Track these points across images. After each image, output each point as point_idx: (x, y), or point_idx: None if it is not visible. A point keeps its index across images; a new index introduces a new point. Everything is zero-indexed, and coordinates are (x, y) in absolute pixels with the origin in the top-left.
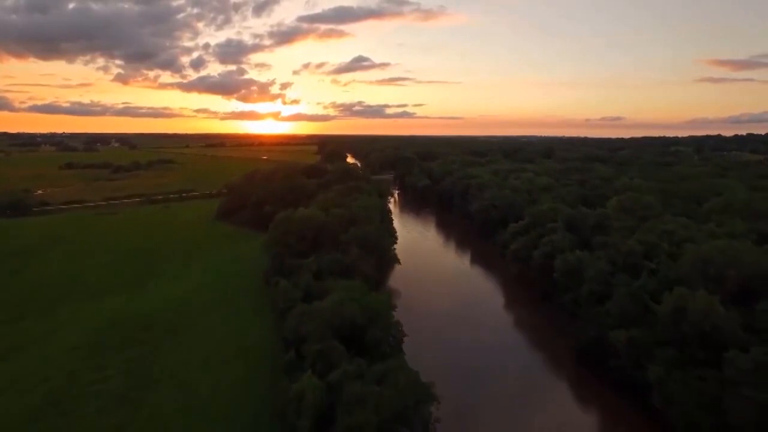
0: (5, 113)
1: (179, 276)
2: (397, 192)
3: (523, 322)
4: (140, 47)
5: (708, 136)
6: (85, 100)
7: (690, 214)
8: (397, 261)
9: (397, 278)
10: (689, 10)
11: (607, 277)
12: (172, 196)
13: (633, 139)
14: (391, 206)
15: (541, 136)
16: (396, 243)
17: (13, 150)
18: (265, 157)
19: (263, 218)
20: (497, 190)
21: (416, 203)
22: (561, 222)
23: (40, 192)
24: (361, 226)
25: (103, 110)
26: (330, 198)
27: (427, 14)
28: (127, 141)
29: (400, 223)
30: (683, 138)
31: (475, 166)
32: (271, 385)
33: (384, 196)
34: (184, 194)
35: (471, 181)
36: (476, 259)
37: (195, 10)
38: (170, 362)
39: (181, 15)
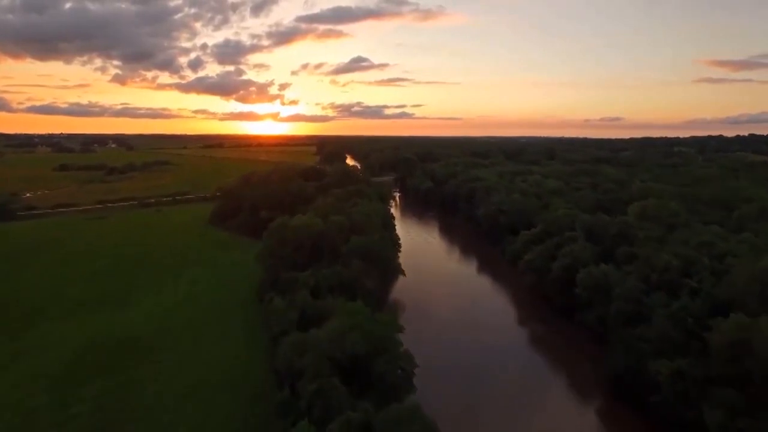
0: (3, 114)
1: (166, 289)
2: (398, 194)
3: (541, 340)
4: (138, 48)
5: (710, 137)
6: (84, 101)
7: (720, 222)
8: (402, 272)
9: (401, 288)
10: (689, 10)
11: (640, 295)
12: (165, 199)
13: (634, 140)
14: (393, 210)
15: (540, 137)
16: (399, 250)
17: (9, 151)
18: (263, 158)
19: (258, 224)
20: (505, 194)
21: (419, 206)
22: (580, 230)
23: (29, 195)
24: (363, 234)
25: (101, 111)
26: (329, 203)
27: (426, 14)
28: (124, 142)
29: (402, 227)
30: (684, 138)
31: (479, 167)
32: (262, 427)
33: (385, 199)
34: (177, 197)
35: (476, 183)
36: (484, 268)
37: (192, 10)
38: (147, 395)
39: (179, 15)
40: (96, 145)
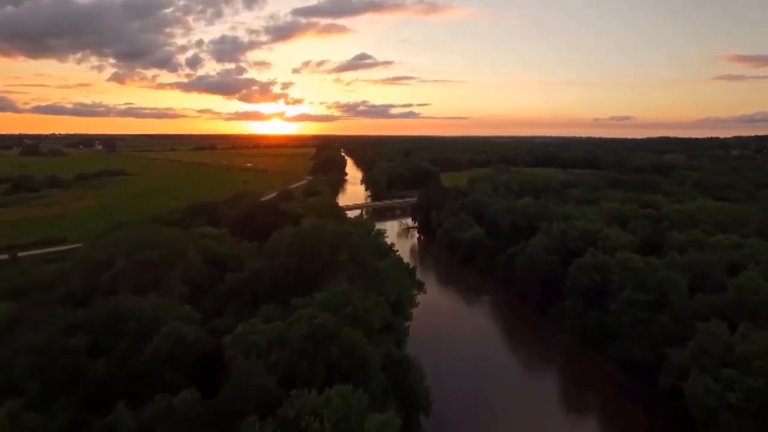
0: (9, 114)
1: None
2: (416, 233)
3: None
4: (131, 44)
5: (757, 137)
6: (88, 100)
7: None
8: None
9: None
10: (704, 6)
11: None
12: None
13: (669, 140)
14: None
15: (552, 136)
16: None
17: None
18: (249, 164)
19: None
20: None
21: (453, 265)
22: None
23: None
24: None
25: (106, 111)
26: None
27: (430, 7)
28: (109, 143)
29: (424, 327)
30: (727, 139)
31: (551, 195)
32: None
33: (405, 309)
34: (25, 252)
35: (604, 256)
36: None
37: (182, 2)
38: None
39: (169, 9)
40: (81, 146)
